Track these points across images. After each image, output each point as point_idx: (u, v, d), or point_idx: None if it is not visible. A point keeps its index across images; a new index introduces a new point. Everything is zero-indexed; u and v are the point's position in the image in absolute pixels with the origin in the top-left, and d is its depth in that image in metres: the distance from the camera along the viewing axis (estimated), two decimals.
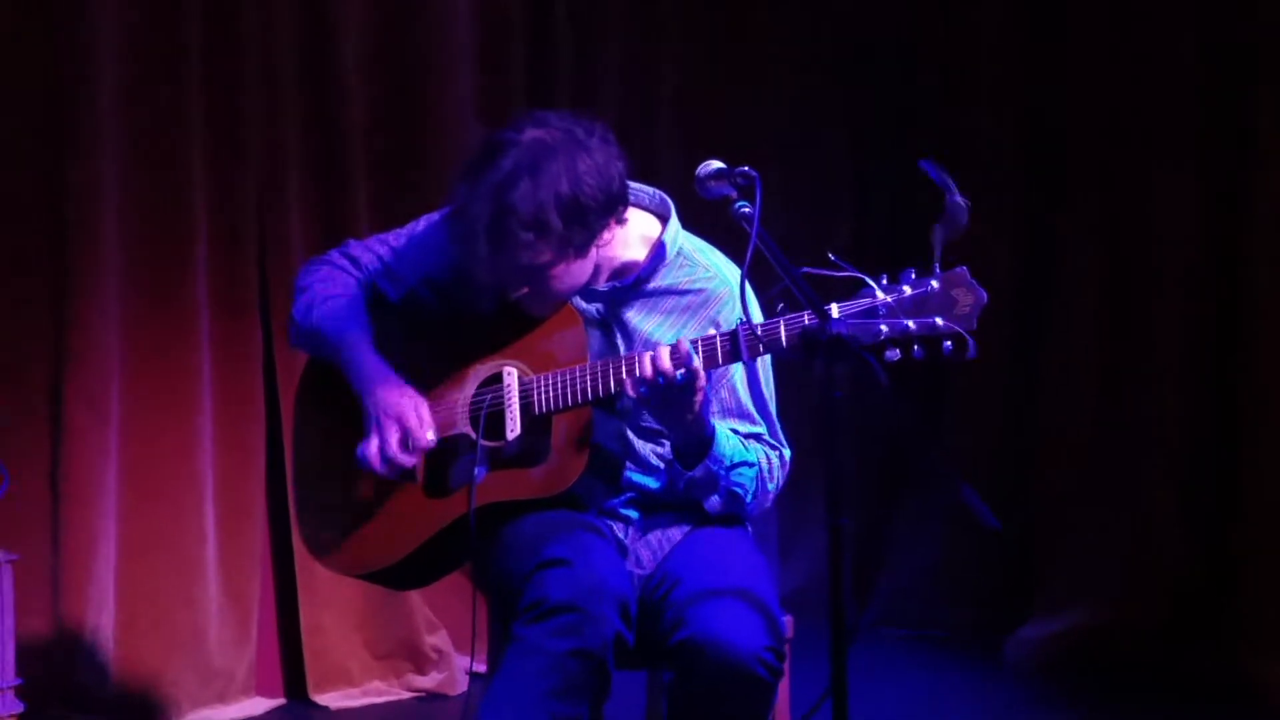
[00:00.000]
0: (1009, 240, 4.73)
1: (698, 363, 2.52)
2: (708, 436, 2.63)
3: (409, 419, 2.68)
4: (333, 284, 2.84)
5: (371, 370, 2.73)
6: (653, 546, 2.74)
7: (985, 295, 2.43)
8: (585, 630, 2.48)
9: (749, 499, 2.72)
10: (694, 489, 2.70)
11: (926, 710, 4.16)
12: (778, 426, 2.80)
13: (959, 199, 2.40)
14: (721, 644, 2.51)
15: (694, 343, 2.56)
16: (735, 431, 2.73)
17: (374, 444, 2.69)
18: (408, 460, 2.70)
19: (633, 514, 2.76)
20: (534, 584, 2.52)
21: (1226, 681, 4.21)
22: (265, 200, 4.08)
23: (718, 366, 2.60)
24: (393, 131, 4.26)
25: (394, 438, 2.68)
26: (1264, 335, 4.28)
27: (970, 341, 2.39)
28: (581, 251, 2.62)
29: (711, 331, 2.67)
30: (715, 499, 2.71)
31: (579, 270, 2.66)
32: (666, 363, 2.52)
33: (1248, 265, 4.33)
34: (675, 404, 2.56)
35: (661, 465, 2.73)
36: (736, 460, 2.68)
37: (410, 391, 2.71)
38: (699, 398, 2.55)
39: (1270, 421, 4.26)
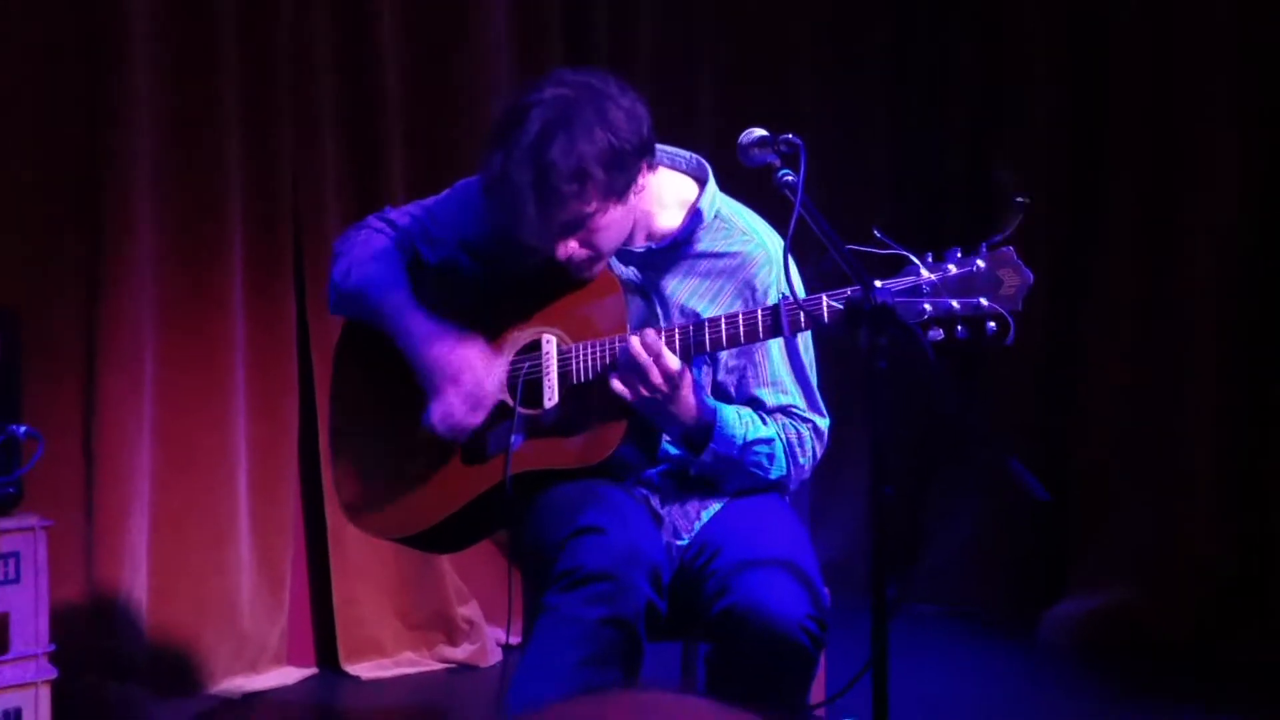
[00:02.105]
0: (1048, 218, 4.69)
1: (674, 360, 2.53)
2: (708, 420, 2.62)
3: (466, 380, 2.66)
4: (370, 246, 2.83)
5: (421, 330, 2.71)
6: (690, 516, 2.73)
7: (1032, 276, 2.41)
8: (618, 598, 2.47)
9: (770, 475, 2.71)
10: (708, 472, 2.69)
11: (959, 686, 4.14)
12: (816, 395, 2.77)
13: (1019, 199, 2.38)
14: (765, 612, 2.49)
15: (671, 330, 2.56)
16: (760, 403, 2.71)
17: (438, 409, 2.67)
18: (474, 420, 2.67)
19: (670, 484, 2.75)
20: (568, 552, 2.51)
21: (1261, 666, 4.18)
22: (300, 169, 4.07)
23: (758, 340, 2.59)
24: (428, 101, 4.25)
25: (457, 400, 2.67)
26: None
27: (1011, 324, 2.36)
28: (622, 197, 2.60)
29: (747, 295, 2.66)
30: (733, 479, 2.70)
31: (623, 220, 2.64)
32: (631, 355, 2.53)
33: None
34: (651, 396, 2.56)
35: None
36: (750, 438, 2.66)
37: (464, 347, 2.69)
38: (677, 385, 2.55)
39: None
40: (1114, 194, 4.59)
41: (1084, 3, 4.67)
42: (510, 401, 2.69)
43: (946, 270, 2.40)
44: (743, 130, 2.51)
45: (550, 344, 2.68)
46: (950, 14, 4.96)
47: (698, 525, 2.72)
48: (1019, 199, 2.33)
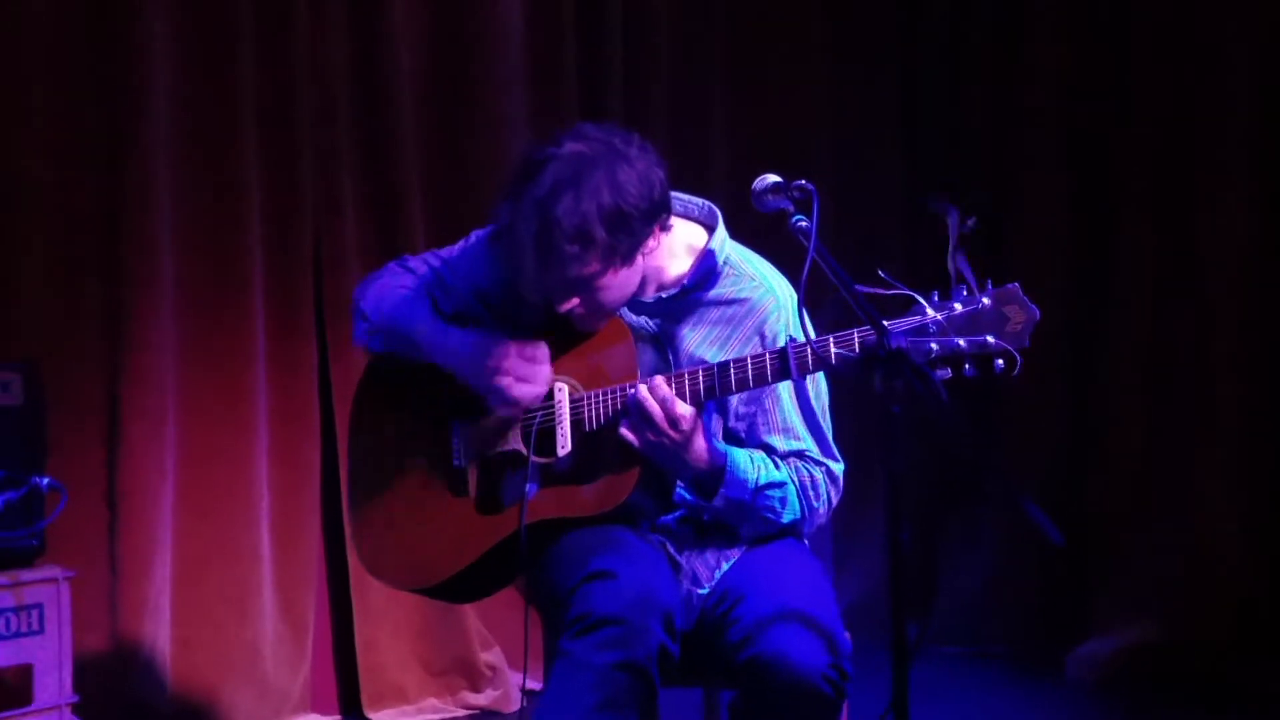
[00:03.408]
0: (1061, 254, 4.70)
1: (685, 408, 2.55)
2: (719, 465, 2.63)
3: (510, 360, 2.66)
4: (397, 282, 2.86)
5: (463, 335, 2.72)
6: (710, 563, 2.73)
7: (1038, 312, 2.41)
8: (630, 642, 2.48)
9: (783, 519, 2.71)
10: (721, 517, 2.69)
11: None
12: (829, 440, 2.78)
13: (967, 224, 2.37)
14: (789, 662, 2.50)
15: (681, 375, 2.58)
16: (772, 449, 2.72)
17: (494, 399, 2.67)
18: (534, 390, 2.66)
19: (687, 530, 2.75)
20: (580, 597, 2.52)
21: None
22: (321, 218, 4.10)
23: (766, 384, 2.59)
24: (444, 147, 4.28)
25: (509, 378, 2.66)
26: None
27: (1019, 360, 2.36)
28: (627, 260, 2.62)
29: (756, 342, 2.66)
30: (746, 525, 2.70)
31: (626, 280, 2.65)
32: (641, 404, 2.55)
33: None
34: (661, 443, 2.57)
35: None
36: (763, 483, 2.67)
37: (507, 344, 2.68)
38: (687, 433, 2.56)
39: None
40: (1128, 230, 4.59)
41: (1097, 46, 4.67)
42: (524, 450, 2.69)
43: (952, 309, 2.41)
44: (755, 177, 2.53)
45: (563, 392, 2.69)
46: (961, 49, 4.96)
47: (718, 574, 2.72)
48: (969, 222, 2.33)
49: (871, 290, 2.38)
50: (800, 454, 2.74)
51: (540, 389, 2.67)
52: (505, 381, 2.66)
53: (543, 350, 2.69)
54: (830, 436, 2.78)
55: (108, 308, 3.81)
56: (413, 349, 2.78)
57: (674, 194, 2.74)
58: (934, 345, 2.38)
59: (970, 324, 2.39)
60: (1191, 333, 4.47)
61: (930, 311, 2.41)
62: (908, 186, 5.00)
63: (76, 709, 3.40)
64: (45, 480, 3.32)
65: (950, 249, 2.35)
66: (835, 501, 2.79)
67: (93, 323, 3.81)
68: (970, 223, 2.33)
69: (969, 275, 2.36)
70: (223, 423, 3.95)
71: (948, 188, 4.71)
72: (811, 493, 2.73)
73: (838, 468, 2.77)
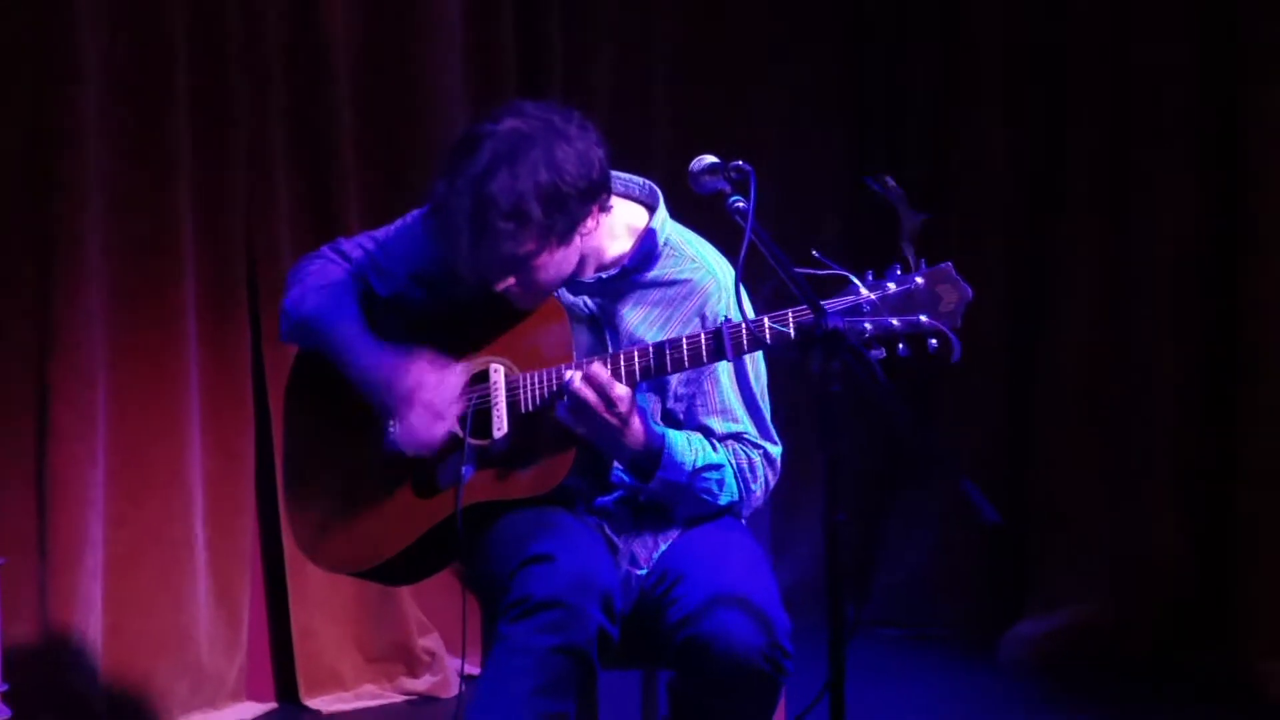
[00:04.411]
0: (1005, 236, 4.72)
1: (621, 389, 2.53)
2: (656, 447, 2.62)
3: (422, 394, 2.64)
4: (324, 276, 2.82)
5: (371, 356, 2.70)
6: (649, 546, 2.72)
7: (970, 291, 2.41)
8: (569, 626, 2.47)
9: (720, 501, 2.71)
10: (657, 499, 2.68)
11: (920, 709, 4.14)
12: (768, 423, 2.77)
13: (913, 218, 2.38)
14: (728, 641, 2.50)
15: (617, 356, 2.56)
16: (710, 430, 2.71)
17: (400, 430, 2.66)
18: (438, 431, 2.65)
19: (624, 512, 2.74)
20: (518, 581, 2.51)
21: (1224, 678, 4.20)
22: (253, 201, 4.05)
23: (703, 365, 2.59)
24: (381, 127, 4.24)
25: (415, 417, 2.65)
26: (1263, 334, 4.26)
27: (954, 340, 2.37)
28: (564, 240, 2.60)
29: (696, 324, 2.65)
30: (683, 506, 2.70)
31: (563, 260, 2.63)
32: (576, 385, 2.53)
33: (1247, 263, 4.31)
34: (597, 425, 2.56)
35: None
36: (700, 465, 2.66)
37: (413, 363, 2.67)
38: (624, 414, 2.55)
39: (1267, 419, 4.24)
40: (1070, 207, 4.61)
41: (1041, 22, 4.68)
42: (460, 433, 2.67)
43: (886, 288, 2.41)
44: (695, 156, 2.52)
45: (498, 374, 2.67)
46: (907, 31, 4.97)
47: (656, 555, 2.71)
48: (912, 221, 2.34)
49: (806, 270, 2.39)
50: (738, 436, 2.74)
51: (440, 432, 2.65)
52: (409, 423, 2.64)
53: (455, 377, 2.67)
54: (769, 419, 2.77)
55: (36, 295, 3.75)
56: (330, 355, 2.75)
57: (614, 173, 2.71)
58: (868, 325, 2.38)
59: (904, 304, 2.40)
60: (1136, 319, 4.49)
61: (864, 291, 2.41)
62: (851, 166, 5.00)
63: (6, 698, 3.36)
64: None
65: (901, 224, 2.35)
66: (772, 484, 2.79)
67: (20, 309, 3.74)
68: (915, 220, 2.34)
69: (911, 254, 2.36)
70: (155, 410, 3.91)
71: (892, 165, 4.76)
72: (749, 474, 2.73)
73: (775, 450, 2.76)
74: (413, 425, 2.65)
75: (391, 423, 2.69)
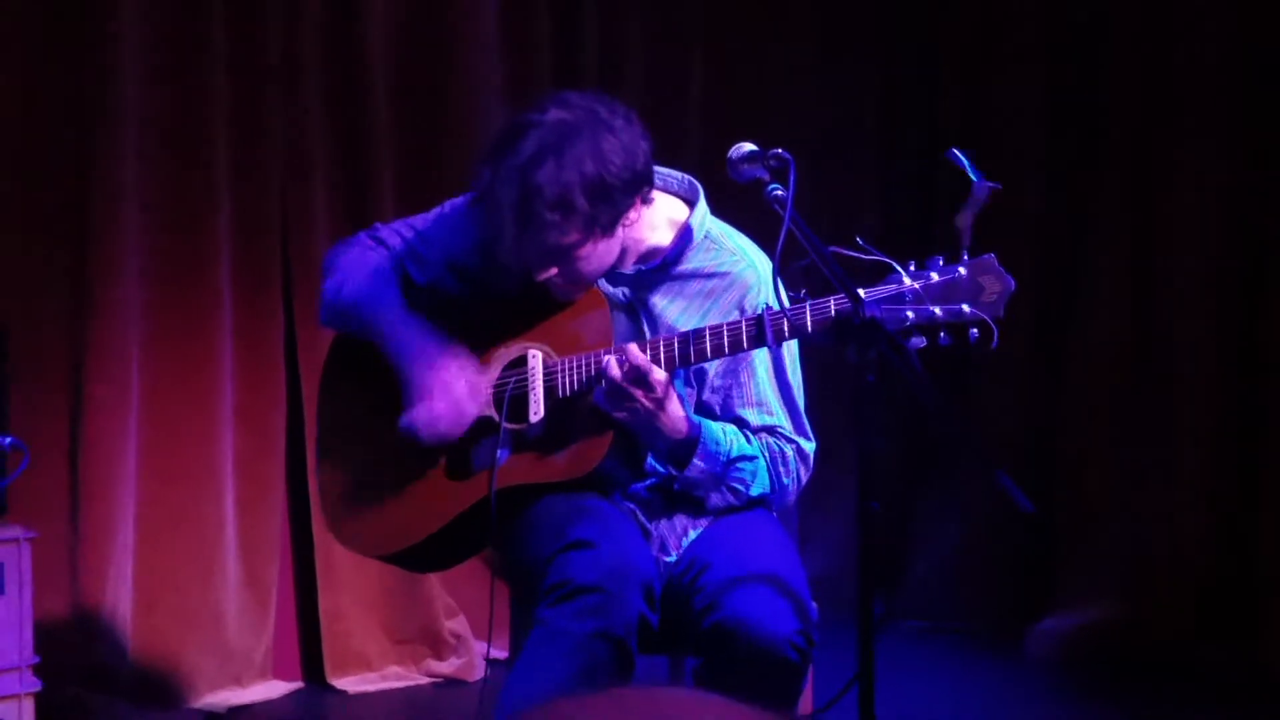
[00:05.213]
0: (1034, 226, 4.70)
1: (659, 373, 2.53)
2: (693, 435, 2.62)
3: (454, 389, 2.65)
4: (364, 262, 2.83)
5: (412, 342, 2.71)
6: (678, 531, 2.73)
7: (1013, 283, 2.42)
8: (610, 611, 2.48)
9: (752, 492, 2.71)
10: (691, 487, 2.68)
11: (945, 702, 4.13)
12: (803, 418, 2.78)
13: (985, 183, 2.39)
14: (754, 628, 2.50)
15: (655, 342, 2.56)
16: (745, 423, 2.72)
17: (419, 413, 2.67)
18: (456, 432, 2.66)
19: (657, 499, 2.74)
20: (558, 566, 2.51)
21: (1250, 676, 4.18)
22: (288, 183, 4.07)
23: (742, 350, 2.59)
24: (417, 114, 4.24)
25: (443, 407, 2.66)
26: None
27: (995, 330, 2.37)
28: (608, 231, 2.60)
29: (736, 316, 2.66)
30: (715, 495, 2.70)
31: (605, 251, 2.64)
32: (615, 369, 2.53)
33: (1276, 257, 4.30)
34: (635, 410, 2.56)
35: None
36: (734, 455, 2.66)
37: (453, 362, 2.68)
38: (661, 400, 2.55)
39: None
40: (1103, 201, 4.60)
41: (1079, 10, 4.67)
42: (496, 416, 2.68)
43: (929, 278, 2.41)
44: (732, 145, 2.52)
45: (536, 359, 2.68)
46: (940, 15, 4.96)
47: (686, 541, 2.72)
48: (984, 183, 2.34)
49: (847, 254, 2.39)
50: (772, 429, 2.74)
51: (457, 434, 2.66)
52: (435, 413, 2.65)
53: (485, 377, 2.68)
54: (804, 414, 2.78)
55: (73, 272, 3.77)
56: (374, 339, 2.76)
57: (655, 168, 2.71)
58: (909, 313, 2.38)
59: (946, 293, 2.39)
60: (1163, 317, 4.48)
61: (907, 280, 2.41)
62: (885, 161, 4.99)
63: (37, 670, 3.38)
64: (8, 440, 3.30)
65: (966, 205, 2.35)
66: (805, 479, 2.79)
67: (58, 286, 3.77)
68: (988, 185, 2.34)
69: (967, 236, 2.36)
70: (188, 389, 3.93)
71: (924, 156, 4.74)
72: (782, 468, 2.73)
73: (809, 446, 2.77)
74: (436, 415, 2.66)
75: (413, 407, 2.69)
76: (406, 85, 4.23)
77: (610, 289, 2.73)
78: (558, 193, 2.53)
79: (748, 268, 2.73)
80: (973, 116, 4.86)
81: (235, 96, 3.95)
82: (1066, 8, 4.69)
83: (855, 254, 2.39)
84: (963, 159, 2.37)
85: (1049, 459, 4.69)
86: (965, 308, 2.38)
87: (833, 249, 2.39)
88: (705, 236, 2.74)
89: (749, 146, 2.50)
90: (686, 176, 2.79)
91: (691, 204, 2.76)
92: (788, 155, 2.46)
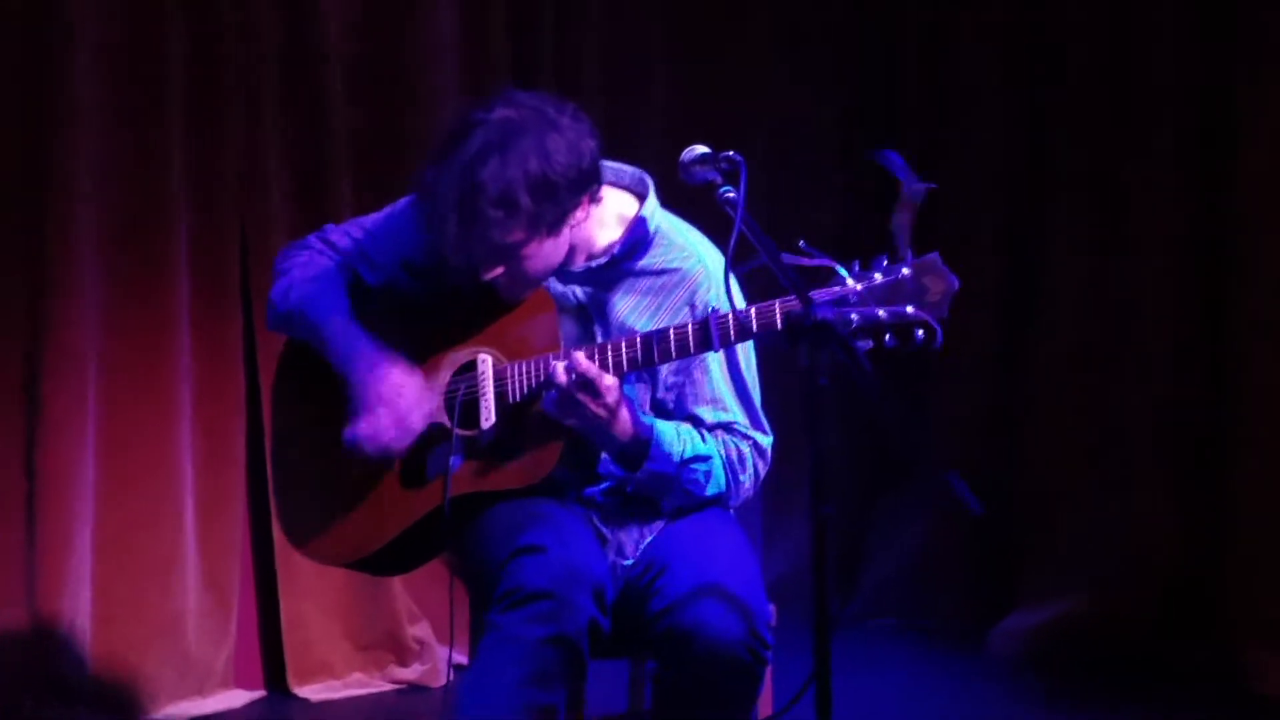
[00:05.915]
0: (995, 227, 4.71)
1: (609, 379, 2.52)
2: (644, 438, 2.61)
3: (399, 402, 2.64)
4: (312, 267, 2.82)
5: (357, 351, 2.69)
6: (634, 535, 2.72)
7: (957, 282, 2.41)
8: (561, 616, 2.47)
9: (707, 492, 2.70)
10: (644, 490, 2.68)
11: (908, 702, 4.15)
12: (759, 413, 2.77)
13: (918, 185, 2.37)
14: (709, 631, 2.50)
15: (604, 346, 2.56)
16: (699, 420, 2.71)
17: (363, 427, 2.65)
18: (399, 445, 2.65)
19: (613, 503, 2.73)
20: (509, 571, 2.51)
21: (1215, 671, 4.20)
22: (246, 187, 4.05)
23: (691, 355, 2.58)
24: (374, 119, 4.23)
25: (387, 421, 2.64)
26: (1255, 323, 4.26)
27: (938, 330, 2.36)
28: (553, 230, 2.59)
29: (686, 312, 2.65)
30: (670, 497, 2.69)
31: (552, 250, 2.62)
32: (562, 377, 2.52)
33: (1237, 249, 4.31)
34: (585, 416, 2.55)
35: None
36: (688, 456, 2.66)
37: (397, 372, 2.67)
38: (611, 406, 2.54)
39: (1260, 409, 4.25)
40: (1063, 196, 4.61)
41: (1039, 19, 4.68)
42: (448, 423, 2.67)
43: (872, 279, 2.41)
44: (688, 144, 2.51)
45: (486, 364, 2.67)
46: (903, 18, 4.97)
47: (642, 545, 2.71)
48: (915, 185, 2.33)
49: (793, 260, 2.38)
50: (728, 426, 2.73)
51: (401, 447, 2.65)
52: (379, 425, 2.64)
53: (429, 390, 2.67)
54: (759, 408, 2.77)
55: (27, 278, 3.75)
56: (317, 347, 2.74)
57: (605, 162, 2.70)
58: (854, 316, 2.38)
59: (890, 294, 2.39)
60: (1124, 313, 4.49)
61: (850, 282, 2.41)
62: (845, 157, 4.99)
63: None
64: None
65: (898, 207, 2.34)
66: (763, 474, 2.79)
67: (12, 287, 3.74)
68: (920, 187, 2.33)
69: (904, 238, 2.35)
70: (145, 395, 3.90)
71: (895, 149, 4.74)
72: (738, 465, 2.73)
73: (765, 440, 2.76)
74: (380, 428, 2.65)
75: (357, 419, 2.67)
76: (364, 91, 4.21)
77: (560, 288, 2.72)
78: (501, 190, 2.52)
79: (696, 264, 2.73)
80: (932, 117, 4.86)
81: (192, 103, 3.93)
82: (1028, 7, 4.70)
83: (797, 259, 2.38)
84: (893, 160, 2.36)
85: (1012, 458, 4.70)
86: (909, 309, 2.37)
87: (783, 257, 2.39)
88: (655, 231, 2.73)
89: (701, 149, 2.50)
90: (637, 170, 2.78)
91: (642, 198, 2.75)
92: (739, 157, 2.46)
